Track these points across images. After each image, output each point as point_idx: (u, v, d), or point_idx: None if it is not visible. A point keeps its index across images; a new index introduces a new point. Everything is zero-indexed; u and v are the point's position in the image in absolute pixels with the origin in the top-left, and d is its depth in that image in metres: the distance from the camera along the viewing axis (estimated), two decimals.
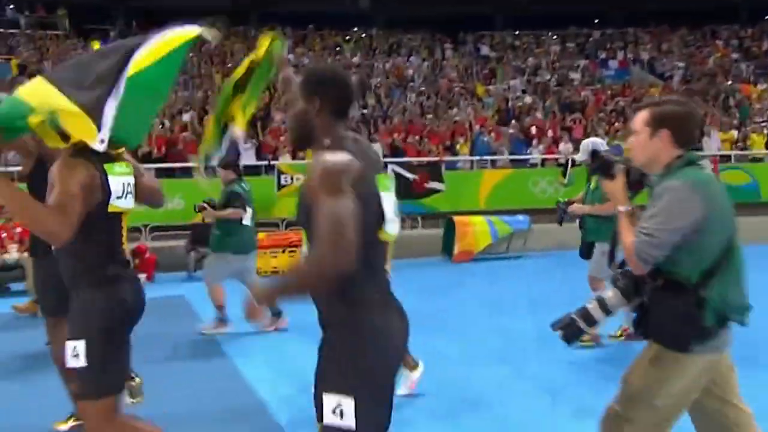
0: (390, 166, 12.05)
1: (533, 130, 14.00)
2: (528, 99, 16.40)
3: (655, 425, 2.35)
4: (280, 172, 12.23)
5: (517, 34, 23.01)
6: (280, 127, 13.86)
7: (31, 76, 16.10)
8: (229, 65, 18.85)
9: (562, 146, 13.07)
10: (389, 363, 1.95)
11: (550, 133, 13.81)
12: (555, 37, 22.70)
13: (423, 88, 16.83)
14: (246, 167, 12.61)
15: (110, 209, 2.52)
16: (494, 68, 18.94)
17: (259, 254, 9.39)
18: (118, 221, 2.61)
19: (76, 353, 2.45)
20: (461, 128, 13.52)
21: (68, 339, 2.49)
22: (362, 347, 1.88)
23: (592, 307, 2.40)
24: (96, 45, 2.95)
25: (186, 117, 14.03)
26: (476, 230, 10.38)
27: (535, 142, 13.50)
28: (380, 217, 1.96)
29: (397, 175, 12.04)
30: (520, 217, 10.70)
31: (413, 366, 4.22)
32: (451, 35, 22.67)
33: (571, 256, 5.83)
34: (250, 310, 2.02)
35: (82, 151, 2.46)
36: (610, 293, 2.42)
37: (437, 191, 12.20)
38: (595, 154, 4.75)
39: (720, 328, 2.27)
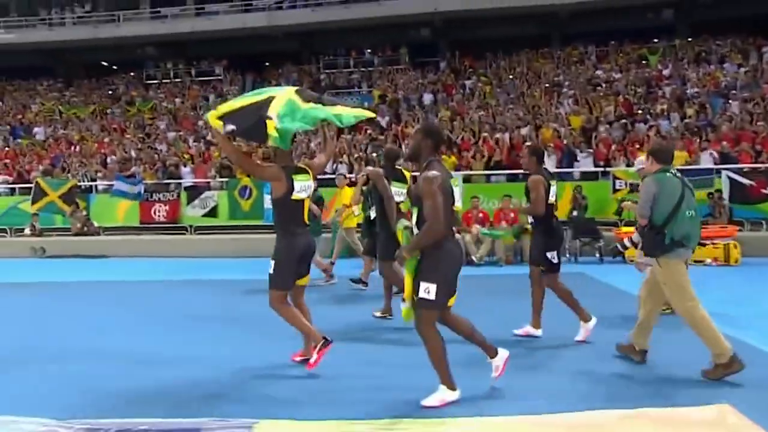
0: (724, 173, 12.30)
1: None
2: None
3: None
4: (615, 177, 13.36)
5: None
6: (608, 137, 14.94)
7: (390, 104, 19.50)
8: (546, 85, 20.45)
9: None
10: (452, 268, 3.78)
11: None
12: None
13: (746, 95, 16.24)
14: (584, 173, 14.15)
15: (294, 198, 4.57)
16: None
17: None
18: (300, 203, 4.60)
19: (269, 268, 4.61)
20: None
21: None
22: (438, 260, 3.72)
23: (626, 239, 4.98)
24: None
25: (524, 131, 15.90)
26: None
27: None
28: (453, 200, 3.79)
29: (732, 182, 12.25)
30: None
31: (587, 318, 5.32)
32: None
33: None
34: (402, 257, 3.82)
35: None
36: (635, 234, 4.78)
37: None
38: None
39: (675, 247, 4.37)
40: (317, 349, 4.49)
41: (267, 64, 28.37)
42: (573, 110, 17.00)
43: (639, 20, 24.05)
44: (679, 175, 4.49)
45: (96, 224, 14.26)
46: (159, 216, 15.05)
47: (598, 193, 13.46)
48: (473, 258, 10.46)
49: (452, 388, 3.83)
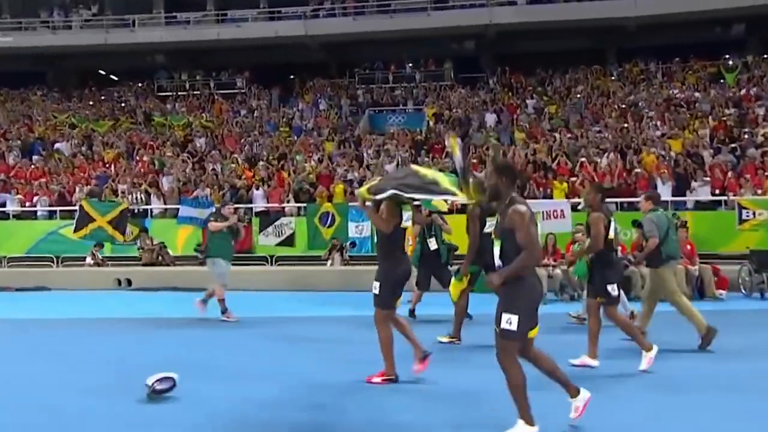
0: None
1: None
2: None
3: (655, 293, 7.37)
4: (741, 207, 13.76)
5: None
6: (721, 163, 15.42)
7: (451, 124, 19.71)
8: (622, 105, 20.98)
9: None
10: (533, 301, 4.20)
11: None
12: None
13: None
14: (699, 202, 14.55)
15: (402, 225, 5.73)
16: None
17: None
18: (403, 231, 5.78)
19: (374, 288, 5.60)
20: None
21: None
22: (522, 292, 4.14)
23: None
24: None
25: (615, 155, 16.28)
26: None
27: None
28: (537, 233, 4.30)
29: None
30: None
31: (649, 348, 6.00)
32: None
33: None
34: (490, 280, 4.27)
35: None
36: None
37: None
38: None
39: (668, 260, 7.16)
40: (420, 359, 5.64)
41: (292, 77, 28.64)
42: (670, 134, 17.47)
43: (705, 35, 24.82)
44: (663, 212, 7.38)
45: (172, 253, 14.11)
46: None
47: (719, 224, 13.87)
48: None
49: (530, 423, 4.14)
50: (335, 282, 13.22)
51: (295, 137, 20.42)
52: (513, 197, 4.28)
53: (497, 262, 4.29)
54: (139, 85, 28.56)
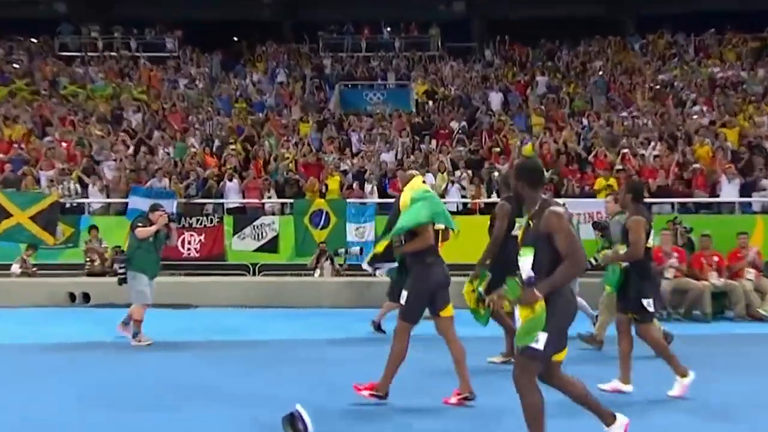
0: None
1: None
2: None
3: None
4: None
5: None
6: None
7: (438, 100, 19.67)
8: (656, 86, 21.56)
9: None
10: (567, 320, 4.38)
11: None
12: None
13: None
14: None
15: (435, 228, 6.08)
16: None
17: None
18: (436, 234, 6.05)
19: (401, 298, 6.05)
20: None
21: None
22: (557, 309, 4.27)
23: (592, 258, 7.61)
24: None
25: (657, 145, 16.75)
26: None
27: None
28: None
29: None
30: None
31: (684, 374, 6.35)
32: None
33: None
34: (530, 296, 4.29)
35: None
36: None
37: None
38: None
39: None
40: (461, 397, 5.96)
41: (236, 38, 28.10)
42: (722, 121, 18.04)
43: (743, 3, 25.80)
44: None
45: None
46: (190, 249, 14.52)
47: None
48: (760, 311, 10.97)
49: None
50: (330, 297, 12.97)
51: (260, 116, 20.00)
52: (545, 200, 4.52)
53: (527, 273, 4.34)
54: (33, 41, 27.20)
